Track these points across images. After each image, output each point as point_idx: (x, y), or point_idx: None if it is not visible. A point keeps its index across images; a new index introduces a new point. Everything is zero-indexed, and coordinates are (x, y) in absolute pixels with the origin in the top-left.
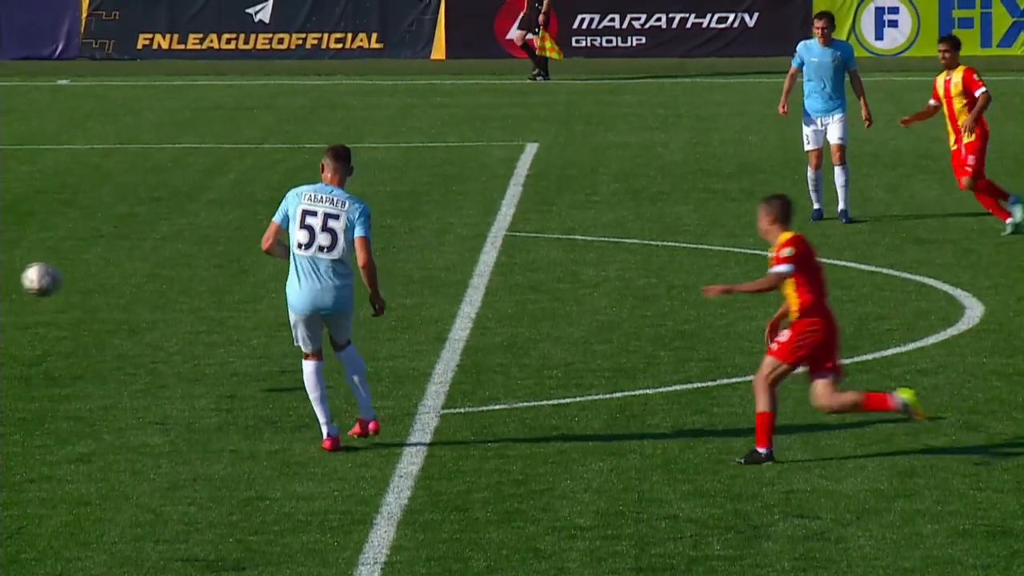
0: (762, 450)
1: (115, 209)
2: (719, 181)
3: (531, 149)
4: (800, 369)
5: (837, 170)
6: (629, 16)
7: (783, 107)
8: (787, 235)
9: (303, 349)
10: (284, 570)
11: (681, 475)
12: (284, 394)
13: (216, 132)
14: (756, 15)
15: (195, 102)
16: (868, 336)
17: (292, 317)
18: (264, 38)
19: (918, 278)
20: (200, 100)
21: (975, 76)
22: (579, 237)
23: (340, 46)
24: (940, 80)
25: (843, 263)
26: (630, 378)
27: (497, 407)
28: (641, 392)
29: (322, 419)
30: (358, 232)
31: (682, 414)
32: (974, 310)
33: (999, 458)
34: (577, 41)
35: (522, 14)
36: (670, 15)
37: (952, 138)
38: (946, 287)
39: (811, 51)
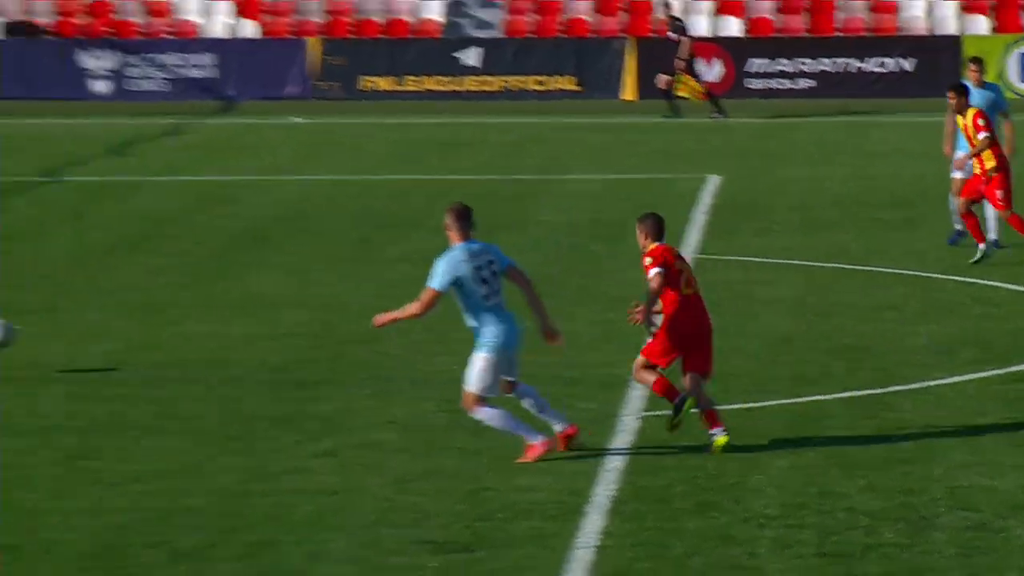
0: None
1: (347, 235)
2: (880, 211)
3: (714, 181)
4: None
5: (987, 202)
6: (797, 60)
7: (947, 147)
8: (653, 246)
9: (487, 395)
10: (509, 553)
11: (856, 471)
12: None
13: (434, 165)
14: (913, 60)
15: (413, 138)
16: (1020, 349)
17: (493, 359)
18: (473, 80)
19: None
20: (417, 136)
21: (979, 121)
22: (755, 259)
23: (542, 88)
24: (960, 123)
25: (993, 283)
26: (808, 385)
27: (692, 411)
28: (818, 398)
29: (527, 434)
30: (508, 263)
31: (856, 418)
32: None
33: None
34: (750, 84)
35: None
36: (836, 60)
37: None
38: None
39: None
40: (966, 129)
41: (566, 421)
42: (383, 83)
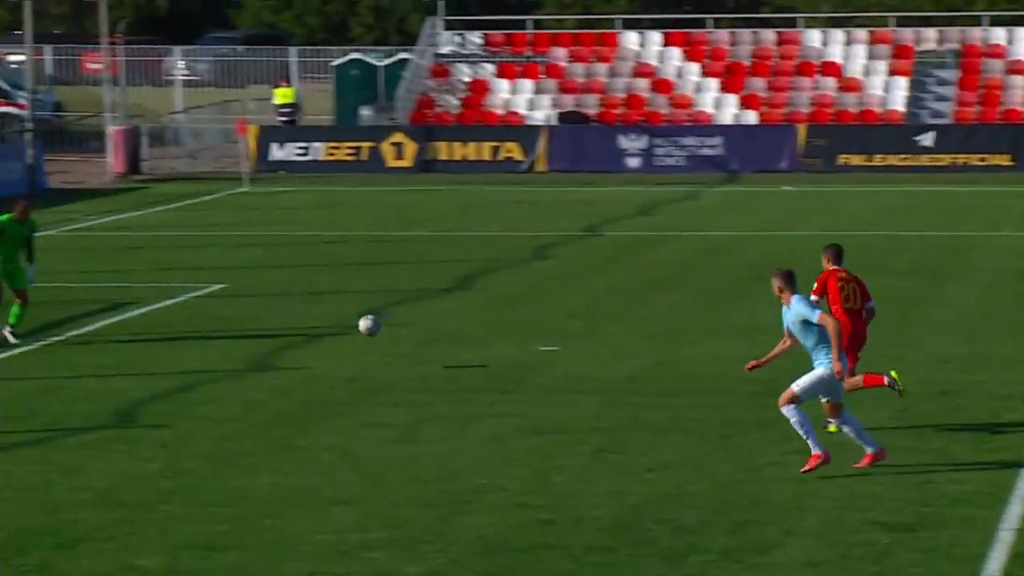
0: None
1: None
2: None
3: None
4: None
5: None
6: None
7: None
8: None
9: (803, 399)
10: (945, 533)
11: None
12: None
13: (895, 223)
14: None
15: (879, 203)
16: None
17: (825, 377)
18: (928, 157)
19: None
20: (882, 201)
21: None
22: None
23: (982, 163)
24: None
25: None
26: None
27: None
28: None
29: (814, 445)
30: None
31: None
32: None
33: None
34: None
35: None
36: None
37: None
38: None
39: None
40: None
41: (878, 446)
42: (856, 160)
